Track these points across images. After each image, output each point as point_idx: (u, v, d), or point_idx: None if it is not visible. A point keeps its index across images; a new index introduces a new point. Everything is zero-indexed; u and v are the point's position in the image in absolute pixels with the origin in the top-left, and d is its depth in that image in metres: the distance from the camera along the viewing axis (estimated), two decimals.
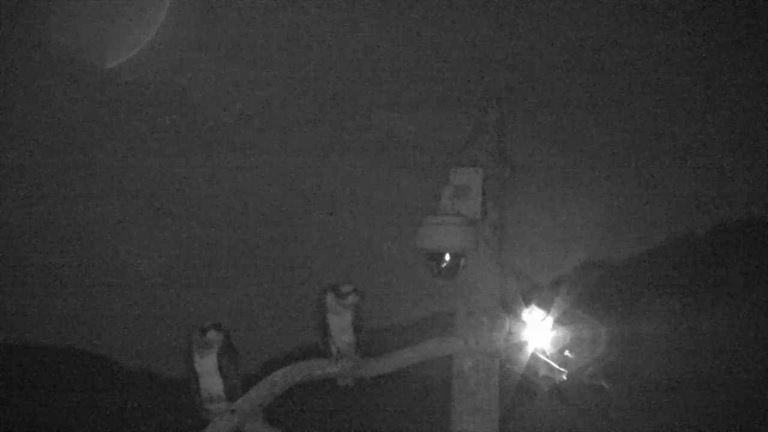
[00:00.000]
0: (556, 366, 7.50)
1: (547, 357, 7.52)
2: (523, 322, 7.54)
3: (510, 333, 7.45)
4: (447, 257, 7.42)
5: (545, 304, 7.58)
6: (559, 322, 7.56)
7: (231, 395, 7.25)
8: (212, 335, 7.20)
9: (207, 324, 7.25)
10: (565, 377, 7.53)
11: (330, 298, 7.38)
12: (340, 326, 7.36)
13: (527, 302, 7.59)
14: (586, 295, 7.91)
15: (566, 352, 7.53)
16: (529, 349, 7.52)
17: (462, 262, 7.46)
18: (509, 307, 7.56)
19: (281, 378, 7.29)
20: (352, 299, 7.33)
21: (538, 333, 7.55)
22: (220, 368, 7.18)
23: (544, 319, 7.55)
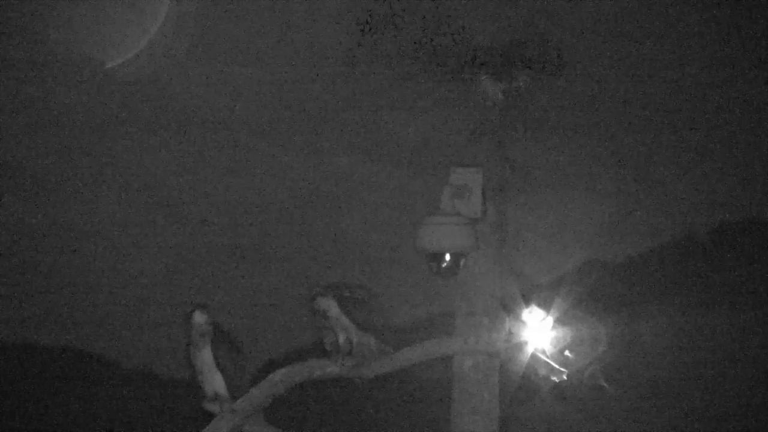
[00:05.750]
0: (556, 366, 7.49)
1: (547, 357, 7.51)
2: (523, 322, 7.53)
3: (510, 333, 7.45)
4: (447, 257, 7.42)
5: (545, 304, 7.57)
6: (559, 322, 7.56)
7: (234, 391, 7.20)
8: (198, 316, 7.14)
9: (190, 308, 7.20)
10: (565, 377, 7.52)
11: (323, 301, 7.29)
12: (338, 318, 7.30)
13: (527, 302, 7.59)
14: (586, 295, 7.90)
15: (566, 352, 7.52)
16: (529, 349, 7.51)
17: (462, 262, 7.46)
18: (509, 307, 7.55)
19: (281, 378, 7.28)
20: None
21: (538, 333, 7.54)
22: (217, 363, 7.14)
23: (544, 319, 7.55)
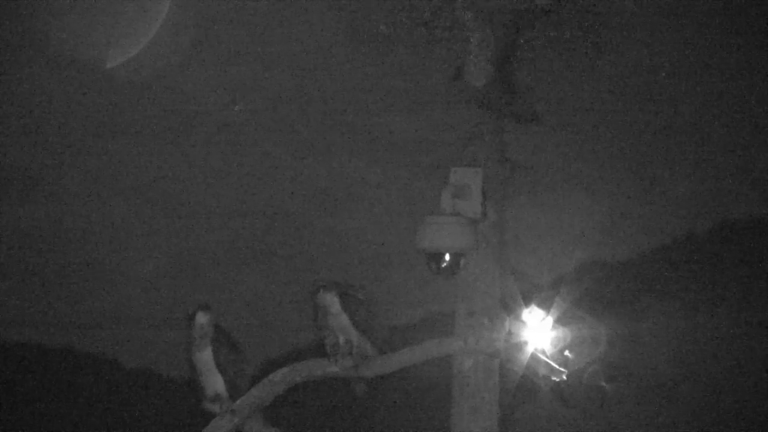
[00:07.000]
0: (556, 366, 7.48)
1: (547, 357, 7.50)
2: (523, 322, 7.52)
3: (510, 333, 7.44)
4: (447, 257, 7.42)
5: (545, 304, 7.57)
6: (559, 322, 7.55)
7: (233, 392, 7.19)
8: (200, 317, 7.13)
9: (194, 308, 7.19)
10: (565, 377, 7.51)
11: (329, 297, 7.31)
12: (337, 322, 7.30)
13: (527, 302, 7.58)
14: (586, 295, 7.90)
15: (566, 352, 7.52)
16: (529, 349, 7.50)
17: (462, 262, 7.45)
18: (509, 307, 7.55)
19: (281, 378, 7.28)
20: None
21: (538, 333, 7.53)
22: (217, 364, 7.14)
23: (544, 319, 7.54)
